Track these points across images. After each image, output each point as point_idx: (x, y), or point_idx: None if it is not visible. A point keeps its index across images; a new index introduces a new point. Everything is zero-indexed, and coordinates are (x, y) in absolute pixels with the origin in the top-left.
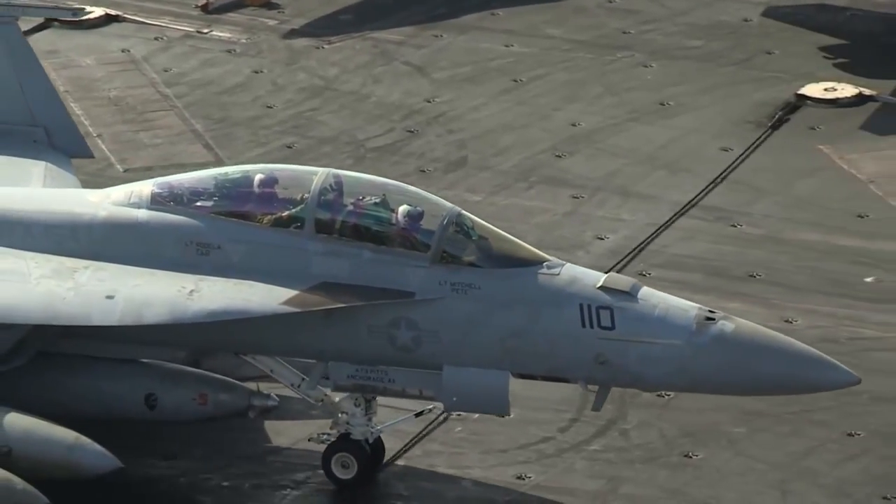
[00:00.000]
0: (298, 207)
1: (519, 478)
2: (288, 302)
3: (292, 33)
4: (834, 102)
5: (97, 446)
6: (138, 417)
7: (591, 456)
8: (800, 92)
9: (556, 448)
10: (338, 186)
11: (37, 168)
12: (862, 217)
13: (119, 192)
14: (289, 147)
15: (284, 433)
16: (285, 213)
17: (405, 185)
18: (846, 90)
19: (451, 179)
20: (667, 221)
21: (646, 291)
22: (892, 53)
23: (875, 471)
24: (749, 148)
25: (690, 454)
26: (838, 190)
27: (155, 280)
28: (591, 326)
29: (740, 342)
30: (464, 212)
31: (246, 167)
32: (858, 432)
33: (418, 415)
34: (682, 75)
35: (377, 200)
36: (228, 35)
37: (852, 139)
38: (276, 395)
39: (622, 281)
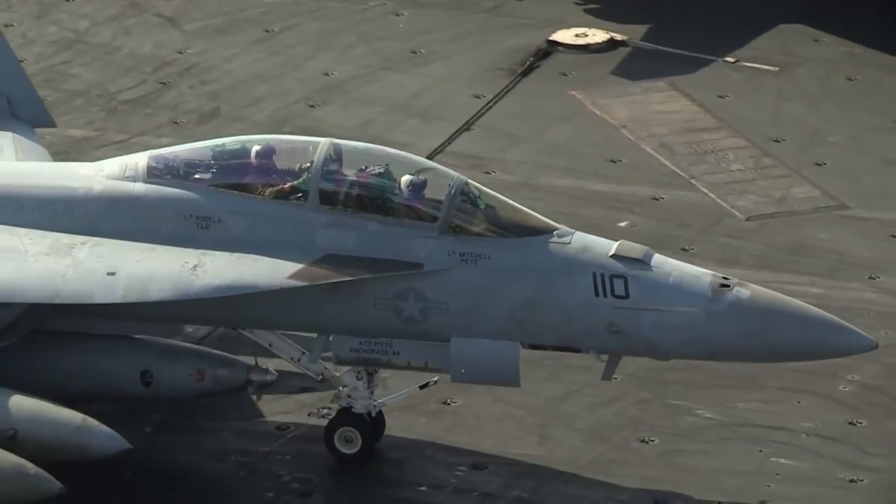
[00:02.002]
0: (301, 178)
1: (279, 428)
2: (295, 276)
3: None
4: (585, 48)
5: (105, 427)
6: (134, 395)
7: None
8: (551, 38)
9: (318, 398)
10: (338, 156)
11: (5, 139)
12: (615, 162)
13: (112, 165)
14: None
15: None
16: (287, 185)
17: (407, 153)
18: (597, 36)
19: (205, 131)
20: None
21: (658, 259)
22: None
23: (631, 414)
24: (498, 94)
25: (449, 401)
26: (591, 135)
27: (156, 255)
28: (605, 295)
29: (757, 308)
30: (470, 181)
31: (243, 138)
32: (615, 377)
33: (423, 387)
34: (433, 23)
35: (381, 170)
36: None
37: (604, 85)
38: (275, 370)
39: (635, 248)
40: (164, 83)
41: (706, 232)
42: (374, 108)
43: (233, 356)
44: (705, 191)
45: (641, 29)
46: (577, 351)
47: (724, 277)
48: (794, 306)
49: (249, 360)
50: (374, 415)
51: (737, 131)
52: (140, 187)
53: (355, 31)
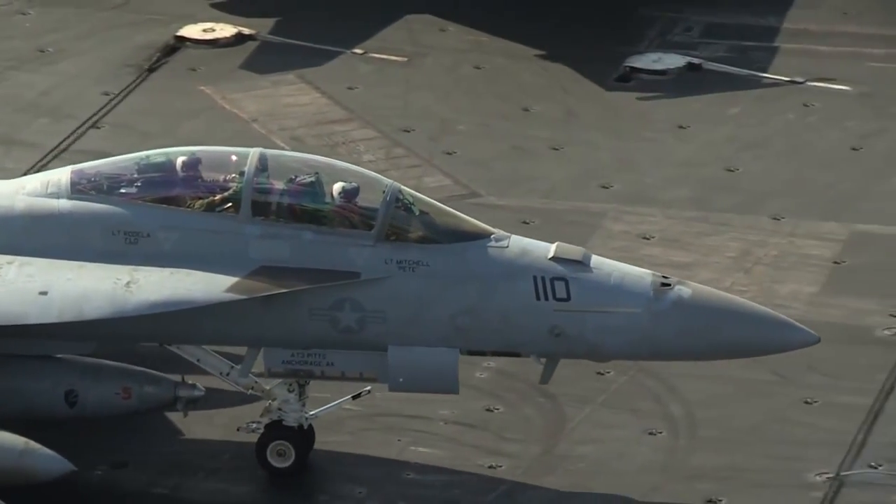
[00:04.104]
0: (231, 189)
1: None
2: (231, 289)
3: None
4: (213, 43)
5: (47, 450)
6: (59, 416)
7: None
8: (178, 34)
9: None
10: (265, 165)
11: None
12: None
13: (34, 181)
14: None
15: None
16: (218, 197)
17: (337, 161)
18: (225, 30)
19: None
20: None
21: (597, 260)
22: None
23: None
24: (123, 91)
25: None
26: (222, 130)
27: (86, 273)
28: (546, 299)
29: (699, 307)
30: (403, 187)
31: (168, 150)
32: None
33: (355, 397)
34: (60, 21)
35: (311, 179)
36: None
37: (233, 79)
38: (203, 386)
39: (573, 250)
40: None
41: None
42: (3, 109)
43: (159, 373)
44: None
45: (269, 22)
46: (517, 355)
47: (664, 276)
48: (736, 303)
49: (176, 376)
50: (305, 427)
51: (367, 122)
52: (64, 203)
53: None
